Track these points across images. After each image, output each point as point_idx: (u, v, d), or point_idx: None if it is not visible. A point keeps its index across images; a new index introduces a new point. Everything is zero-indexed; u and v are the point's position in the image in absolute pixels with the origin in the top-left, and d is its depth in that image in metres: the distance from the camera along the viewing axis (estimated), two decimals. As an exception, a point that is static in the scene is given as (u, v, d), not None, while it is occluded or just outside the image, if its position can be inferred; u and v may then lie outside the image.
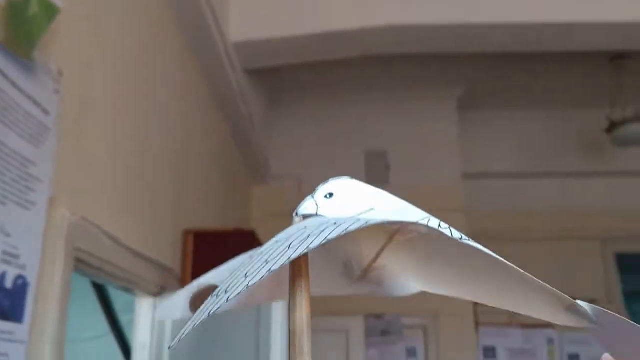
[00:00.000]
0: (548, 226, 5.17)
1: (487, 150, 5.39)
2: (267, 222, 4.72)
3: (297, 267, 0.48)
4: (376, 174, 4.90)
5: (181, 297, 0.59)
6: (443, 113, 5.08)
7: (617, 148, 4.94)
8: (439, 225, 0.42)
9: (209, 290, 0.52)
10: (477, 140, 5.33)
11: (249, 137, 4.23)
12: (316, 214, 0.51)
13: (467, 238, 0.43)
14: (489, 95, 5.20)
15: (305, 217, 0.52)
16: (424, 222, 0.43)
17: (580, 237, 5.18)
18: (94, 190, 2.02)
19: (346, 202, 0.51)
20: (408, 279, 0.56)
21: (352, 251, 0.55)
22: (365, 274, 0.56)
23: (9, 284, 1.48)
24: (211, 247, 2.92)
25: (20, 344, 1.51)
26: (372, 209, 0.49)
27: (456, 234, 0.42)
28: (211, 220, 3.47)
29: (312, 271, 0.47)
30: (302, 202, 0.55)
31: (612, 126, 4.68)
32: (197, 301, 0.58)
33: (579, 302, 0.37)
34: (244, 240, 3.02)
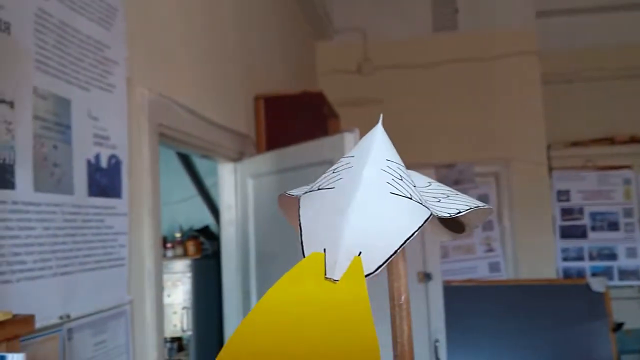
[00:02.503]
0: (624, 63, 4.87)
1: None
2: (333, 78, 4.70)
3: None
4: (443, 19, 4.68)
5: None
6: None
7: None
8: None
9: None
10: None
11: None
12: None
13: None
14: None
15: None
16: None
17: (663, 72, 4.87)
18: (167, 66, 2.07)
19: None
20: None
21: None
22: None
23: (104, 164, 1.60)
24: (281, 111, 2.98)
25: (122, 216, 1.67)
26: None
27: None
28: (279, 82, 3.50)
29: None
30: None
31: None
32: None
33: None
34: (313, 102, 3.05)
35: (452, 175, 4.45)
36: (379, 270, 0.46)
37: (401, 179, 0.51)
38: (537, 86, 4.49)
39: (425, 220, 0.48)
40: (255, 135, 2.95)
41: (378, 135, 0.56)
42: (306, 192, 0.54)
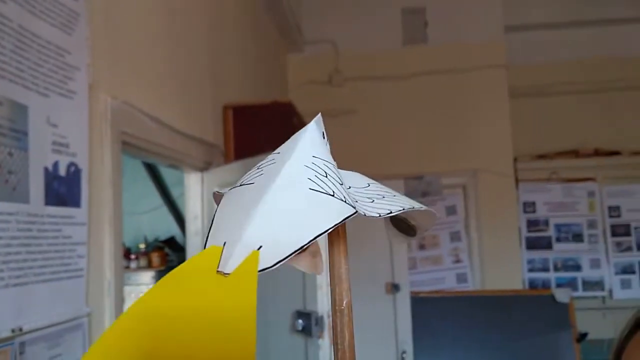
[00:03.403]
0: (589, 78, 4.99)
1: (531, -1, 5.08)
2: (305, 89, 4.70)
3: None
4: (413, 32, 4.73)
5: None
6: (483, -38, 4.75)
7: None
8: None
9: None
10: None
11: (280, 2, 4.08)
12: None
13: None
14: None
15: None
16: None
17: (626, 86, 5.00)
18: (132, 74, 2.04)
19: None
20: None
21: None
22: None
23: (62, 172, 1.56)
24: (250, 121, 2.96)
25: (81, 226, 1.63)
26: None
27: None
28: (250, 93, 3.48)
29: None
30: None
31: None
32: None
33: None
34: (282, 112, 3.04)
35: (420, 187, 4.47)
36: (278, 265, 0.44)
37: (326, 176, 0.50)
38: (505, 99, 4.56)
39: (345, 219, 0.47)
40: (224, 145, 2.92)
41: (307, 133, 0.55)
42: (230, 189, 0.53)
